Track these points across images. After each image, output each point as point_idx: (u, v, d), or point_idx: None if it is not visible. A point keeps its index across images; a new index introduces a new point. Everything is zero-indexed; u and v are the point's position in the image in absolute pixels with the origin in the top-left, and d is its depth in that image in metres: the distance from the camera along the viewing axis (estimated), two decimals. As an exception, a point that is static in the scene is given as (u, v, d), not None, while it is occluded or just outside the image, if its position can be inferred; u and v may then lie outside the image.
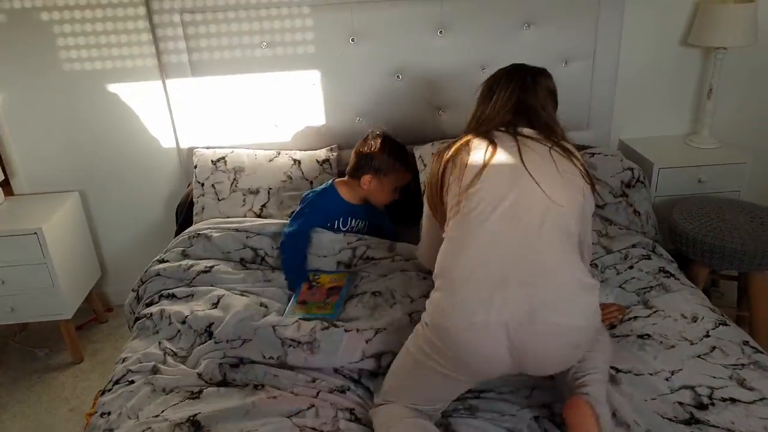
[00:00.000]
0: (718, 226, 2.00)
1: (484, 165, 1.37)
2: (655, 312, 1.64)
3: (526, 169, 1.34)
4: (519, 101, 1.51)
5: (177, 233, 2.20)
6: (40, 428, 2.15)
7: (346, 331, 1.58)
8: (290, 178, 2.18)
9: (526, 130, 1.46)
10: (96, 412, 1.48)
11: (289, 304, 1.72)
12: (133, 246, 2.61)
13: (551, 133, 1.47)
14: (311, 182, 2.17)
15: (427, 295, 1.66)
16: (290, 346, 1.56)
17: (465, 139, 1.47)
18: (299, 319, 1.64)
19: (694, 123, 2.58)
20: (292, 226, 1.87)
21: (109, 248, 2.64)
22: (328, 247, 1.88)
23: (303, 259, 1.84)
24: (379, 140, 1.89)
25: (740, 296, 2.22)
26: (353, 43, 2.21)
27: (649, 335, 1.54)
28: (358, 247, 1.87)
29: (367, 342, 1.55)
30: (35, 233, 2.18)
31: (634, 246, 1.92)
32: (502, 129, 1.47)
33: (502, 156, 1.39)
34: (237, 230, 1.95)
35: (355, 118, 2.32)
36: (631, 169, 2.13)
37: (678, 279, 1.79)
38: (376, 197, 1.92)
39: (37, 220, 2.23)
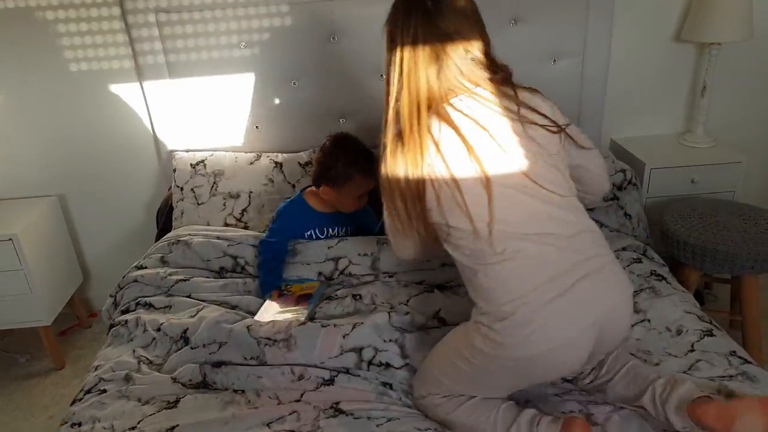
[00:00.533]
0: (709, 228, 1.94)
1: (487, 180, 1.22)
2: (641, 321, 1.59)
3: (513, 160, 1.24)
4: (432, 47, 1.26)
5: (157, 238, 2.16)
6: (15, 402, 2.12)
7: (322, 326, 1.55)
8: (272, 181, 2.13)
9: (475, 100, 1.26)
10: (66, 422, 1.44)
11: (259, 311, 1.67)
12: (115, 250, 2.57)
13: (492, 76, 1.30)
14: (293, 185, 2.12)
15: (407, 303, 1.64)
16: (266, 345, 1.52)
17: (419, 140, 1.26)
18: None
19: (688, 121, 2.52)
20: (268, 236, 1.84)
21: (91, 253, 2.60)
22: (310, 255, 1.83)
23: (275, 267, 1.79)
24: (334, 148, 1.77)
25: (733, 300, 2.16)
26: (334, 42, 2.16)
27: (632, 354, 1.49)
28: (341, 259, 1.81)
29: (344, 337, 1.51)
30: (10, 239, 2.13)
31: (624, 249, 1.87)
32: (447, 106, 1.26)
33: (486, 157, 1.24)
34: (218, 238, 1.91)
35: (338, 119, 2.27)
36: (624, 171, 2.08)
37: (669, 283, 1.74)
38: (340, 206, 1.84)
39: (13, 225, 2.19)
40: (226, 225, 2.06)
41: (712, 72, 2.29)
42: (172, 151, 2.27)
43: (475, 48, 1.30)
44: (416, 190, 1.29)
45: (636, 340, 1.54)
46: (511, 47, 2.18)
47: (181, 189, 2.14)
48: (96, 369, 1.59)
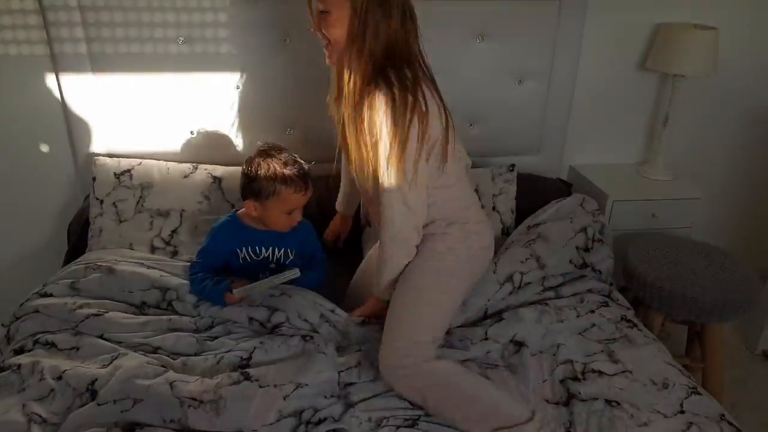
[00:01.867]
0: (676, 271, 1.86)
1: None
2: (622, 372, 1.47)
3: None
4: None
5: (68, 257, 1.86)
6: None
7: (260, 386, 1.33)
8: (208, 198, 1.87)
9: None
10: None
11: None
12: (13, 269, 2.19)
13: None
14: (233, 205, 1.86)
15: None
16: (190, 406, 1.29)
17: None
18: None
19: (647, 151, 2.46)
20: (197, 258, 1.64)
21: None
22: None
23: (214, 281, 1.58)
24: (259, 159, 1.58)
25: (689, 343, 2.10)
26: (286, 44, 1.93)
27: (618, 403, 1.37)
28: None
29: (285, 398, 1.31)
30: None
31: (590, 291, 1.75)
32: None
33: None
34: (150, 267, 1.65)
35: (285, 129, 2.04)
36: (584, 230, 1.85)
37: (641, 330, 1.63)
38: (269, 224, 1.63)
39: None
40: (153, 248, 1.79)
41: (674, 103, 2.24)
42: (92, 154, 1.97)
43: None
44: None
45: (619, 389, 1.42)
46: (477, 63, 2.06)
47: (101, 202, 1.85)
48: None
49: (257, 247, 1.66)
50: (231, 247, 1.65)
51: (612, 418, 1.33)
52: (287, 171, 1.55)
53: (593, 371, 1.47)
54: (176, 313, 1.58)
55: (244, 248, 1.65)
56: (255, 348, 1.46)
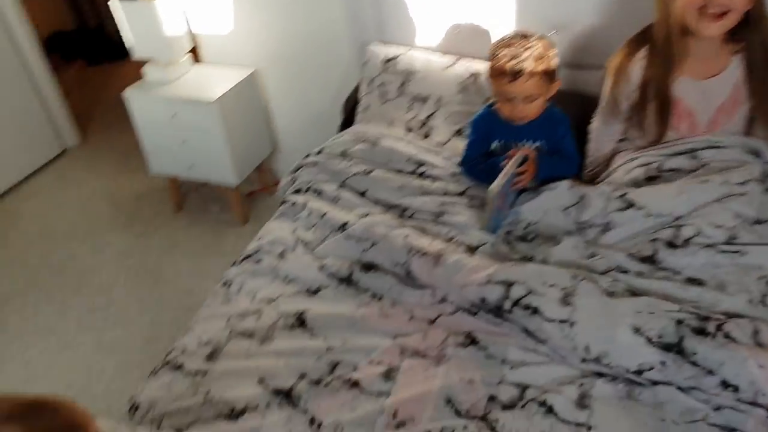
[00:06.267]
0: None
1: None
2: None
3: None
4: None
5: (341, 128, 2.18)
6: (201, 267, 2.42)
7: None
8: (464, 90, 1.98)
9: None
10: (222, 280, 1.57)
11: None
12: (303, 128, 2.66)
13: None
14: (487, 100, 1.93)
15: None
16: (415, 254, 1.47)
17: None
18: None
19: None
20: (462, 162, 1.76)
21: (282, 127, 2.73)
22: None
23: (483, 168, 1.68)
24: (493, 45, 1.60)
25: None
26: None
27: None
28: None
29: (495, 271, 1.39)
30: (214, 102, 2.31)
31: None
32: None
33: None
34: (406, 142, 1.85)
35: (549, 30, 1.98)
36: None
37: None
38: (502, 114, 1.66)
39: (218, 90, 2.35)
40: (408, 129, 1.99)
41: None
42: (366, 41, 2.20)
43: None
44: None
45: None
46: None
47: (369, 83, 2.09)
48: (259, 239, 1.69)
49: (510, 141, 1.70)
50: (488, 139, 1.72)
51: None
52: (499, 56, 1.56)
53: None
54: (431, 177, 1.74)
55: (498, 141, 1.72)
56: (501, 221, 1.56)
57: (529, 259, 1.48)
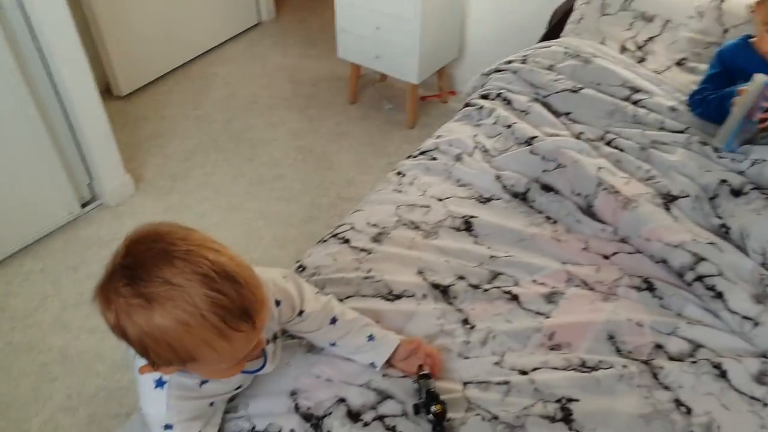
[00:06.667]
0: None
1: None
2: None
3: None
4: None
5: (542, 38, 2.01)
6: (363, 161, 2.45)
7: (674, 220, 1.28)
8: (700, 15, 1.70)
9: None
10: (394, 170, 1.56)
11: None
12: (494, 37, 2.52)
13: None
14: (726, 30, 1.66)
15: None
16: (605, 189, 1.35)
17: None
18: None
19: None
20: (693, 95, 1.52)
21: (473, 33, 2.60)
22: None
23: (716, 99, 1.46)
24: None
25: None
26: None
27: None
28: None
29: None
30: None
31: None
32: None
33: None
34: (623, 66, 1.65)
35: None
36: None
37: None
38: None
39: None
40: (622, 48, 1.77)
41: None
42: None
43: None
44: None
45: None
46: None
47: (593, -9, 1.88)
48: (437, 137, 1.64)
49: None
50: (733, 77, 1.48)
51: None
52: None
53: None
54: (647, 109, 1.57)
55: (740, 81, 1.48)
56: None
57: (726, 231, 1.29)
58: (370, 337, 1.05)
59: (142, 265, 0.69)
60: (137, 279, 0.68)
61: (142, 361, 0.76)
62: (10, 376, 1.69)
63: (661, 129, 1.50)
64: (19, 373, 1.70)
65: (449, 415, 0.96)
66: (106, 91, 2.75)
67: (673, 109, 1.54)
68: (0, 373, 1.69)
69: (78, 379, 1.68)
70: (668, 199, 1.35)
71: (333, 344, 1.06)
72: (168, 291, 0.67)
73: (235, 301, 0.69)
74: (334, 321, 1.03)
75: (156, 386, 0.83)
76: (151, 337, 0.69)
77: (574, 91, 1.61)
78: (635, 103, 1.57)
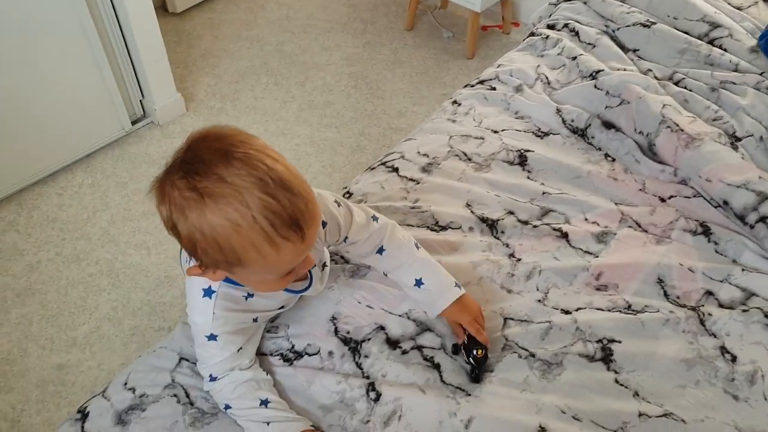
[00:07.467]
0: None
1: None
2: None
3: None
4: None
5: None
6: (417, 91, 2.40)
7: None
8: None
9: None
10: (450, 98, 1.51)
11: None
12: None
13: None
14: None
15: None
16: (668, 127, 1.28)
17: None
18: None
19: None
20: None
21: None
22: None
23: None
24: None
25: None
26: None
27: None
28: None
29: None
30: None
31: None
32: None
33: None
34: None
35: None
36: None
37: None
38: None
39: None
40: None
41: None
42: None
43: None
44: None
45: None
46: None
47: None
48: (498, 66, 1.58)
49: None
50: None
51: None
52: None
53: None
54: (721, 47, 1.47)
55: None
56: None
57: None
58: (419, 282, 1.00)
59: (200, 160, 0.69)
60: (194, 173, 0.68)
61: (191, 265, 0.78)
62: (59, 284, 1.76)
63: (736, 71, 1.39)
64: (67, 282, 1.77)
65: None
66: (162, 7, 2.73)
67: (753, 50, 1.42)
68: (50, 282, 1.77)
69: (123, 293, 1.74)
70: (734, 140, 1.27)
71: (386, 274, 1.06)
72: (222, 188, 0.67)
73: (286, 209, 0.69)
74: (381, 251, 1.02)
75: (204, 295, 0.86)
76: (200, 232, 0.69)
77: (645, 26, 1.50)
78: (711, 41, 1.46)
